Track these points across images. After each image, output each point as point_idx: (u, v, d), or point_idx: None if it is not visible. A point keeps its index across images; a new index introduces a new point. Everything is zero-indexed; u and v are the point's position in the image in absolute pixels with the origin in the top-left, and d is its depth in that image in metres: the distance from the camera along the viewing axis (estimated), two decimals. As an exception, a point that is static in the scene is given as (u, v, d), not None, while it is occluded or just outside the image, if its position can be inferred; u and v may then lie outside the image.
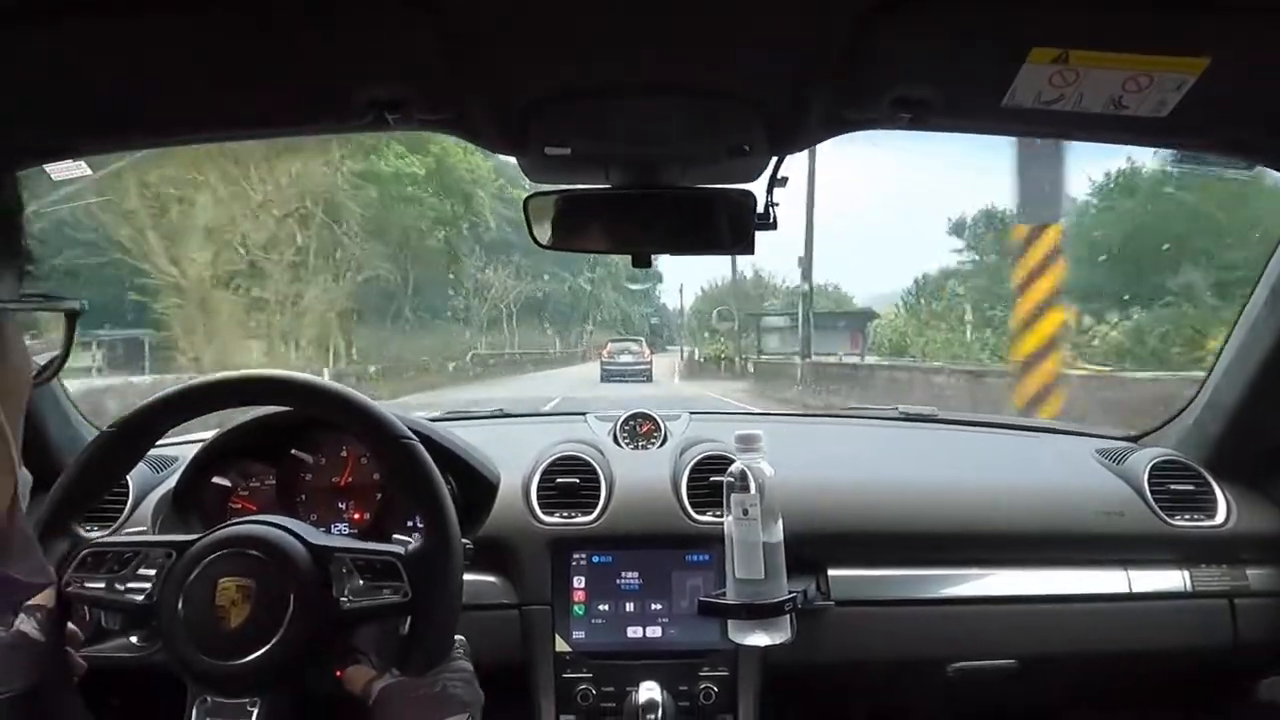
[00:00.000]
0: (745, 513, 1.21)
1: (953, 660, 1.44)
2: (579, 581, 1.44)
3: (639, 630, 1.42)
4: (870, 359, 18.37)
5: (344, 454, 1.38)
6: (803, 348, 16.95)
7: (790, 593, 1.23)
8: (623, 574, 1.44)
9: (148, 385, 9.58)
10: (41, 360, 0.63)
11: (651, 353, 25.83)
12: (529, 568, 1.43)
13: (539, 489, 1.50)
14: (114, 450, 1.01)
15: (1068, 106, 0.90)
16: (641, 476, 1.55)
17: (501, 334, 34.39)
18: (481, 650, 1.02)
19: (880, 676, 1.52)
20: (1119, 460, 1.66)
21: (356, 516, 1.36)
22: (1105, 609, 1.48)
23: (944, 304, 19.43)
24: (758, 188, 1.18)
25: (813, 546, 1.44)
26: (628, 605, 1.43)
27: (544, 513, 1.47)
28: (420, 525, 1.12)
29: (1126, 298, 11.77)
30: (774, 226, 1.19)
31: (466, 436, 1.43)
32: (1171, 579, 1.49)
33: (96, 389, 8.51)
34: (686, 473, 1.53)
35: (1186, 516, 1.52)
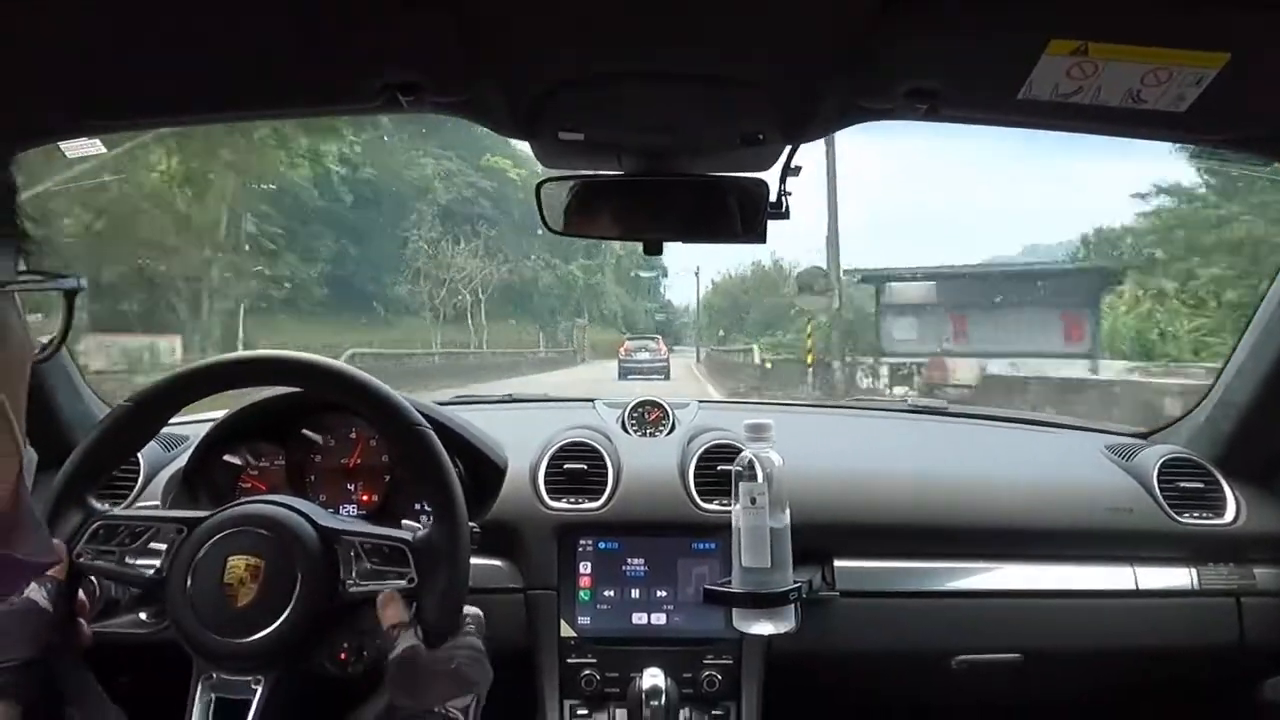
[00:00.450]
0: (753, 502, 1.21)
1: (957, 653, 1.44)
2: (585, 567, 1.44)
3: (644, 617, 1.42)
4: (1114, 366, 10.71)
5: (353, 435, 1.38)
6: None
7: (796, 582, 1.23)
8: (629, 561, 1.45)
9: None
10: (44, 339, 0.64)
11: (668, 349, 26.42)
12: (535, 553, 1.44)
13: (547, 474, 1.51)
14: (130, 424, 1.02)
15: (1085, 99, 0.89)
16: (649, 464, 1.55)
17: (466, 329, 29.68)
18: (486, 634, 1.03)
19: (884, 668, 1.52)
20: (1128, 457, 1.65)
21: (365, 498, 1.37)
22: (1111, 605, 1.48)
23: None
24: (771, 176, 1.18)
25: (819, 537, 1.43)
26: (633, 592, 1.43)
27: (551, 498, 1.48)
28: (429, 510, 1.13)
29: None
30: (786, 216, 1.19)
31: (475, 421, 1.44)
32: (1179, 577, 1.49)
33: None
34: (694, 461, 1.53)
35: (1195, 514, 1.52)
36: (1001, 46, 0.85)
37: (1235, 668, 1.52)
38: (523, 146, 1.17)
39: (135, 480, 1.46)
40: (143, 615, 1.03)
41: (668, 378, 22.52)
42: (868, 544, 1.50)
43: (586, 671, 1.39)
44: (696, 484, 1.50)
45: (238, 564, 0.92)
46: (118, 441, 1.03)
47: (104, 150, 1.31)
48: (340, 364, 1.05)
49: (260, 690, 0.91)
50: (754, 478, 1.22)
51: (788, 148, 1.15)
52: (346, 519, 1.14)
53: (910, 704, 1.68)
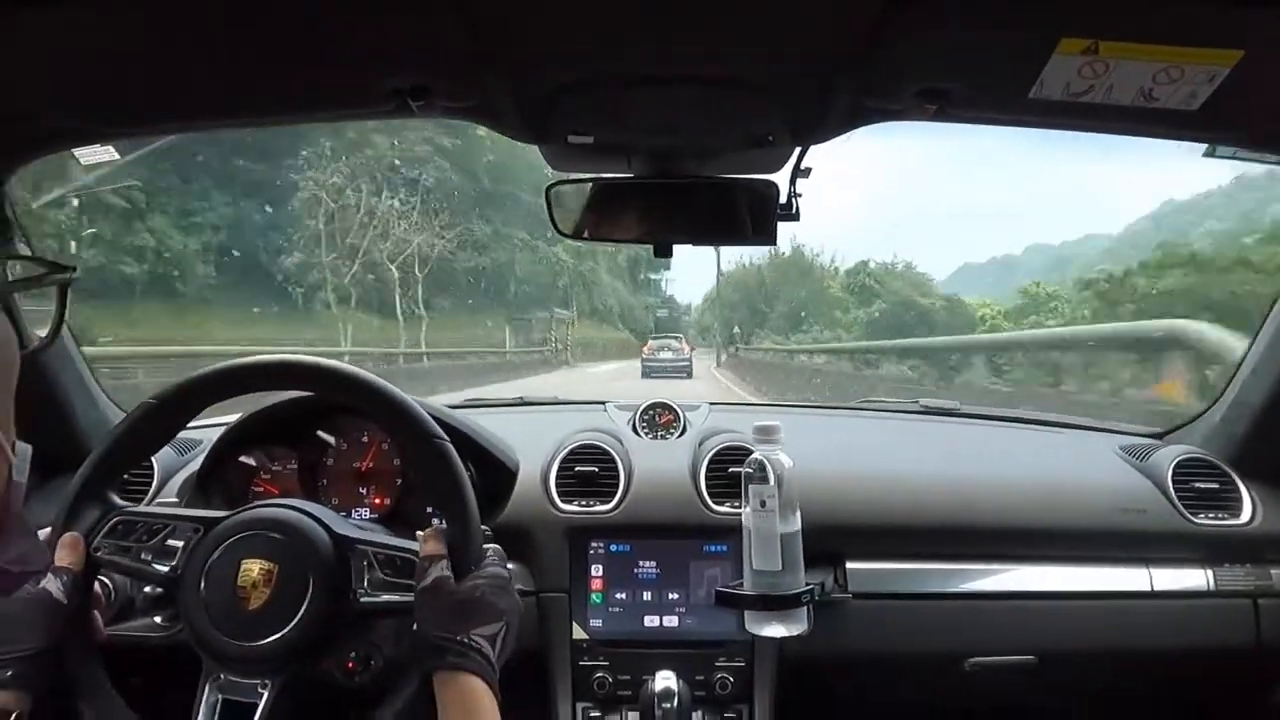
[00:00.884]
0: (763, 504, 1.21)
1: (971, 655, 1.44)
2: (597, 570, 1.44)
3: (656, 619, 1.42)
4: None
5: (365, 439, 1.39)
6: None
7: (808, 584, 1.23)
8: (640, 563, 1.45)
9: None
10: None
11: (691, 348, 26.51)
12: (547, 555, 1.44)
13: (558, 477, 1.51)
14: (153, 421, 1.03)
15: (1097, 98, 0.89)
16: (660, 466, 1.55)
17: (401, 321, 23.48)
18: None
19: (897, 670, 1.52)
20: (1142, 457, 1.64)
21: (377, 501, 1.37)
22: (1126, 606, 1.47)
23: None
24: (781, 178, 1.18)
25: (831, 538, 1.43)
26: (645, 594, 1.43)
27: (562, 501, 1.48)
28: (441, 516, 1.13)
29: None
30: (796, 217, 1.20)
31: (486, 424, 1.44)
32: (1194, 578, 1.48)
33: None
34: (705, 463, 1.52)
35: (1210, 515, 1.51)
36: (1012, 46, 0.85)
37: (1252, 669, 1.50)
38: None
39: (150, 483, 1.47)
40: (157, 619, 1.04)
41: (690, 376, 22.75)
42: (880, 545, 1.49)
43: (599, 674, 1.39)
44: (708, 486, 1.49)
45: (251, 567, 0.92)
46: (140, 439, 1.04)
47: (117, 157, 1.32)
48: (361, 371, 1.05)
49: (266, 694, 0.92)
50: (764, 480, 1.21)
51: (798, 149, 1.15)
52: (361, 523, 1.14)
53: (924, 706, 1.67)
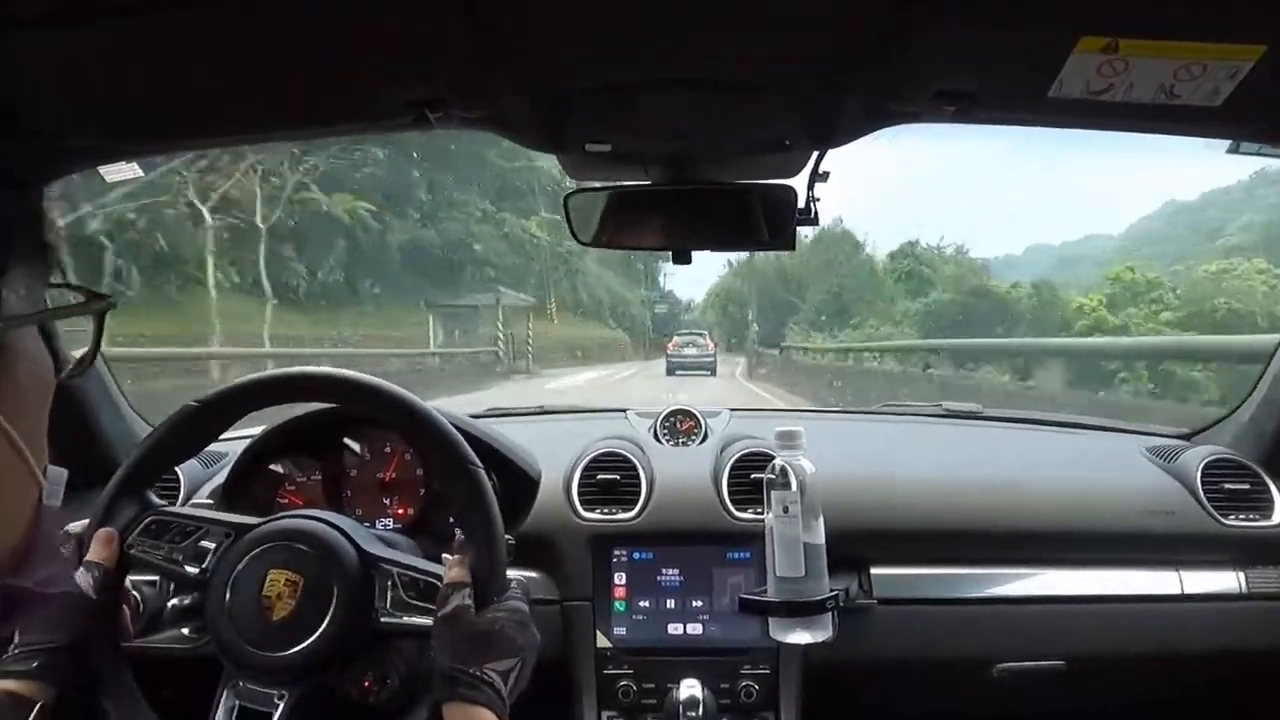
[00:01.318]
0: (786, 510, 1.21)
1: (998, 661, 1.42)
2: (620, 578, 1.44)
3: (680, 627, 1.42)
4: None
5: (388, 449, 1.39)
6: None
7: (832, 591, 1.22)
8: (663, 571, 1.44)
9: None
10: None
11: (715, 345, 26.15)
12: (570, 564, 1.44)
13: (580, 485, 1.51)
14: (193, 424, 1.04)
15: (1117, 97, 0.88)
16: (682, 473, 1.55)
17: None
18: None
19: (924, 676, 1.51)
20: (1170, 458, 1.62)
21: (401, 512, 1.37)
22: (1156, 610, 1.45)
23: None
24: (799, 183, 1.18)
25: (855, 544, 1.42)
26: (669, 602, 1.43)
27: (585, 509, 1.48)
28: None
29: None
30: (815, 222, 1.19)
31: (507, 433, 1.44)
32: (1225, 580, 1.45)
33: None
34: (727, 469, 1.52)
35: (1241, 516, 1.49)
36: (1029, 45, 0.84)
37: None
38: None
39: (176, 495, 1.48)
40: (185, 630, 1.05)
41: (714, 373, 22.61)
42: (904, 550, 1.48)
43: (623, 682, 1.39)
44: (730, 492, 1.49)
45: (278, 578, 0.93)
46: (180, 440, 1.05)
47: (141, 174, 1.34)
48: (405, 393, 1.05)
49: (283, 705, 0.92)
50: (786, 486, 1.21)
51: (815, 153, 1.15)
52: (386, 535, 1.15)
53: (951, 713, 1.65)
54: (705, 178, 1.19)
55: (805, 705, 1.39)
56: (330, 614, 0.92)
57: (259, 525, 0.98)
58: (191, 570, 0.97)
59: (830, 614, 1.23)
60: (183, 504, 1.46)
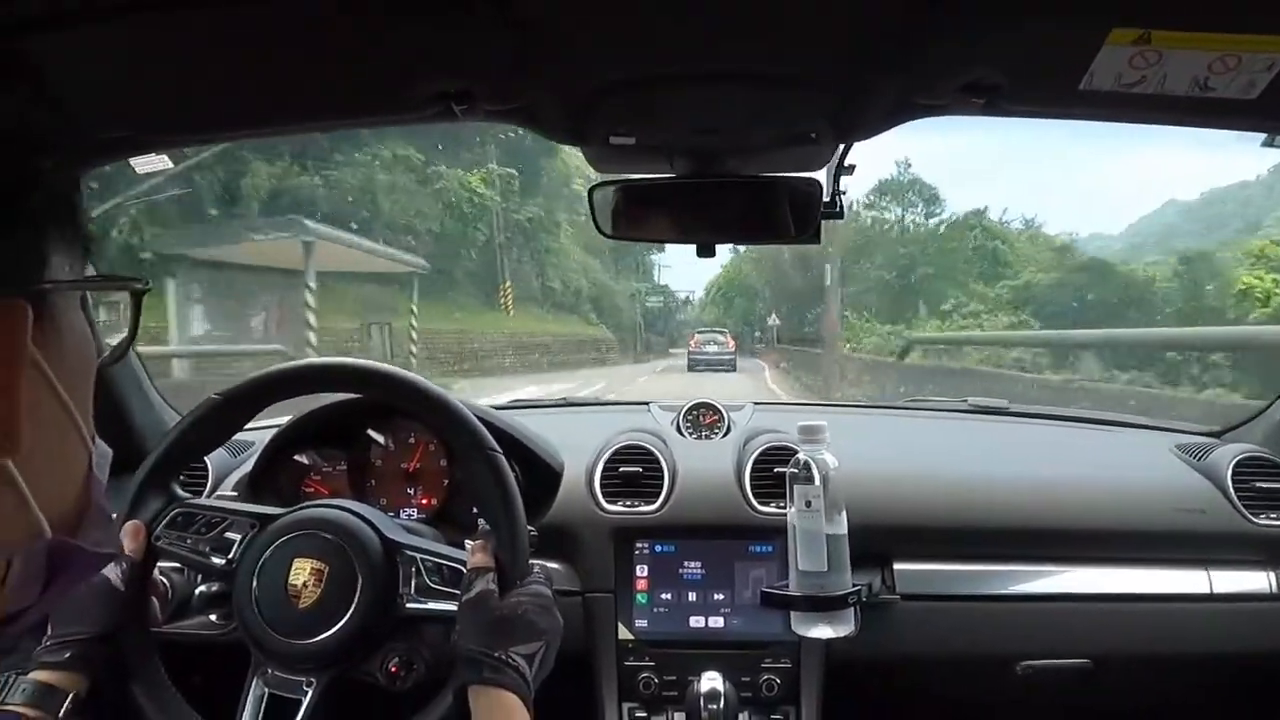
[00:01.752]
0: (808, 504, 1.20)
1: (1023, 658, 1.41)
2: (642, 570, 1.44)
3: (701, 620, 1.42)
4: None
5: (412, 440, 1.41)
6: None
7: (855, 585, 1.22)
8: (685, 564, 1.44)
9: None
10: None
11: (734, 343, 26.76)
12: (592, 556, 1.45)
13: (602, 478, 1.51)
14: (218, 417, 1.06)
15: (1149, 89, 0.87)
16: (704, 467, 1.54)
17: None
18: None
19: (947, 672, 1.50)
20: (1200, 456, 1.60)
21: (425, 501, 1.39)
22: (1185, 609, 1.43)
23: None
24: (824, 176, 1.17)
25: (878, 539, 1.42)
26: (690, 595, 1.43)
27: (607, 501, 1.48)
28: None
29: None
30: (840, 215, 1.19)
31: (530, 424, 1.45)
32: (1256, 580, 1.43)
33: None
34: (750, 463, 1.52)
35: (1273, 515, 1.46)
36: (1059, 37, 0.83)
37: None
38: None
39: (205, 483, 1.51)
40: (212, 617, 1.07)
41: (734, 369, 22.99)
42: (928, 546, 1.47)
43: (645, 674, 1.39)
44: (752, 486, 1.49)
45: (303, 566, 0.95)
46: (205, 432, 1.07)
47: (171, 165, 1.36)
48: (426, 381, 1.07)
49: (311, 692, 0.94)
50: (809, 480, 1.21)
51: (840, 146, 1.14)
52: (410, 524, 1.16)
53: (974, 711, 1.64)
54: (729, 170, 1.19)
55: (826, 700, 1.39)
56: (356, 601, 0.93)
57: (284, 515, 0.99)
58: (218, 561, 0.99)
59: (853, 609, 1.22)
60: (210, 493, 1.49)
